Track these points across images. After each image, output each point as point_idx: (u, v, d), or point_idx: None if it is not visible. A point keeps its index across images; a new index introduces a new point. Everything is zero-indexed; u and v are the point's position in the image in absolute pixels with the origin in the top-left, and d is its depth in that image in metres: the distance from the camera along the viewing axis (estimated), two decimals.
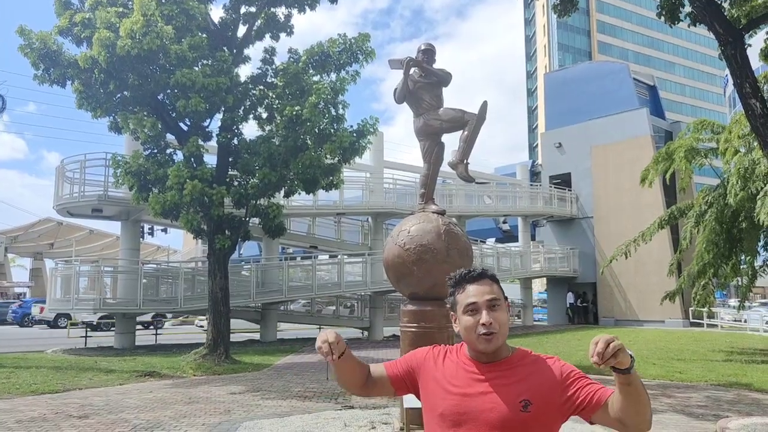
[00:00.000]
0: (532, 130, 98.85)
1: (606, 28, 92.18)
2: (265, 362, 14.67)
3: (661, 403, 9.09)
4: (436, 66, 6.35)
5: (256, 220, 15.33)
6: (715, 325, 27.19)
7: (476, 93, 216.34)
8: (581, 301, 32.71)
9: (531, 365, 1.81)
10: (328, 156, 14.08)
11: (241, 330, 23.51)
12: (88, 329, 22.05)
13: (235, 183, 14.62)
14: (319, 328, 21.67)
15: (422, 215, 5.93)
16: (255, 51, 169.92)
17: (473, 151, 6.33)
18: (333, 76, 14.70)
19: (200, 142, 13.81)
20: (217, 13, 21.19)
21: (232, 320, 15.80)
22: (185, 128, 14.53)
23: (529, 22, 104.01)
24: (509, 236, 42.03)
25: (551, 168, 35.12)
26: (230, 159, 14.72)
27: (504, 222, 41.36)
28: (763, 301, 38.95)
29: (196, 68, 13.37)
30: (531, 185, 34.28)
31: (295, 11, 15.40)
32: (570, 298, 32.80)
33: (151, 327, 24.81)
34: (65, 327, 23.10)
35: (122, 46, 12.13)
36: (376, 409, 8.43)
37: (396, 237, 5.72)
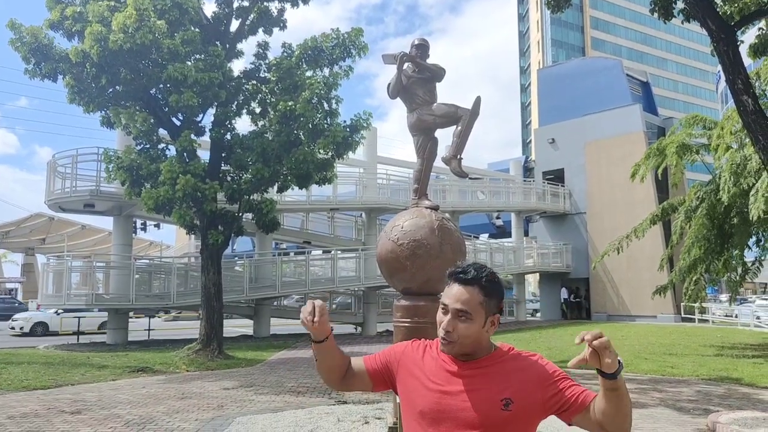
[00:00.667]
0: (525, 125, 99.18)
1: (599, 24, 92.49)
2: (258, 357, 14.68)
3: (652, 398, 9.15)
4: (429, 61, 6.34)
5: (250, 215, 15.30)
6: (707, 321, 27.36)
7: (470, 88, 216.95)
8: (574, 297, 32.83)
9: (512, 362, 1.78)
10: (321, 151, 14.05)
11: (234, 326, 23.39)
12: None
13: (228, 178, 14.58)
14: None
15: (415, 210, 5.92)
16: (248, 46, 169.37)
17: (467, 147, 6.33)
18: (326, 71, 14.70)
19: (193, 137, 13.71)
20: (210, 8, 21.19)
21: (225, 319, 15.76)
22: (178, 123, 14.45)
23: (522, 17, 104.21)
24: (502, 232, 42.18)
25: (544, 164, 35.18)
26: (223, 154, 14.66)
27: (497, 217, 41.47)
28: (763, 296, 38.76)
29: (189, 63, 13.29)
30: (524, 181, 34.36)
31: (288, 5, 15.34)
32: (564, 293, 32.92)
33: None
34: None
35: (114, 41, 12.04)
36: (370, 404, 8.45)
37: (389, 232, 5.71)
